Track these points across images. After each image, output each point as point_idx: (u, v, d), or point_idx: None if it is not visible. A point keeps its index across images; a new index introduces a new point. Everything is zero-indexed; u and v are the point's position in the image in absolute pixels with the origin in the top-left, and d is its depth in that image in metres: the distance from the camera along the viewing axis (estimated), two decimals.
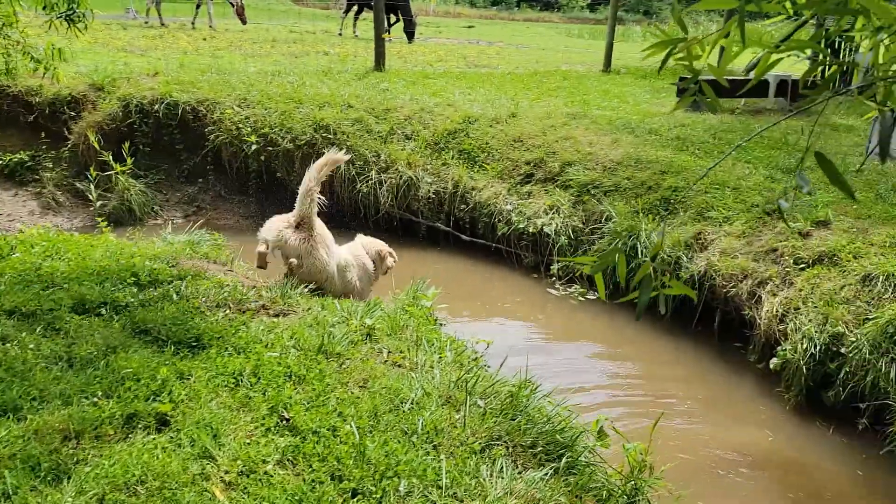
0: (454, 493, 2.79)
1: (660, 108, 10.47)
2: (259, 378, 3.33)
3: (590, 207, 7.55)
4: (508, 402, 3.56)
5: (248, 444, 2.86)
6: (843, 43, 12.95)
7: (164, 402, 3.03)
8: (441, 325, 4.86)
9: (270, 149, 8.49)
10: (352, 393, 3.38)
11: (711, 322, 6.33)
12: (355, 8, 18.62)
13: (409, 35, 17.98)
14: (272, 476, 2.70)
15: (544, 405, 3.69)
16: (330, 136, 8.54)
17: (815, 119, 10.69)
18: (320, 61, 12.70)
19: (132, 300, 3.96)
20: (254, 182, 8.75)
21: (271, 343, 3.71)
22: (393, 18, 17.55)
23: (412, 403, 3.37)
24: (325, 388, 3.34)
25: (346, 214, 8.63)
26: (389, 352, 3.97)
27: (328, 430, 3.01)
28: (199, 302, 4.12)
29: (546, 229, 7.52)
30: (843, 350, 5.05)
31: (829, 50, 13.48)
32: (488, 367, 4.09)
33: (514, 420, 3.40)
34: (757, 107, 11.22)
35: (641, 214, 6.98)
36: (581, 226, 7.51)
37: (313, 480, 2.71)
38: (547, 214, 7.68)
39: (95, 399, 3.00)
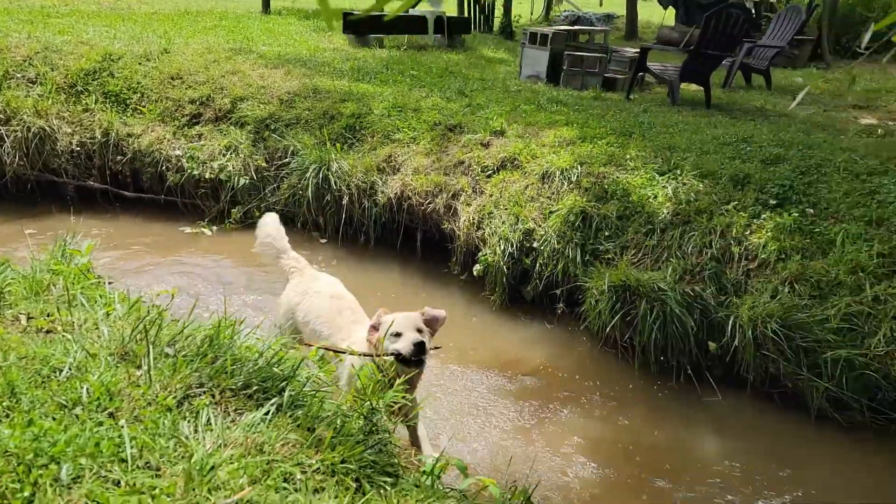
0: (147, 463, 2.05)
1: (328, 45, 10.10)
2: None
3: (272, 144, 6.86)
4: (207, 345, 2.84)
5: None
6: None
7: None
8: (109, 281, 3.85)
9: None
10: None
11: (414, 243, 6.21)
12: None
13: None
14: None
15: (253, 342, 3.04)
16: None
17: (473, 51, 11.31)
18: None
19: None
20: None
21: None
22: None
23: (71, 370, 2.47)
24: None
25: None
26: (31, 317, 2.94)
27: None
28: None
29: (222, 174, 6.65)
30: (535, 245, 5.25)
31: None
32: (176, 319, 3.29)
33: (215, 363, 2.70)
34: (419, 43, 11.54)
35: (329, 144, 6.53)
36: (265, 164, 6.81)
37: None
38: (224, 156, 6.81)
39: None
